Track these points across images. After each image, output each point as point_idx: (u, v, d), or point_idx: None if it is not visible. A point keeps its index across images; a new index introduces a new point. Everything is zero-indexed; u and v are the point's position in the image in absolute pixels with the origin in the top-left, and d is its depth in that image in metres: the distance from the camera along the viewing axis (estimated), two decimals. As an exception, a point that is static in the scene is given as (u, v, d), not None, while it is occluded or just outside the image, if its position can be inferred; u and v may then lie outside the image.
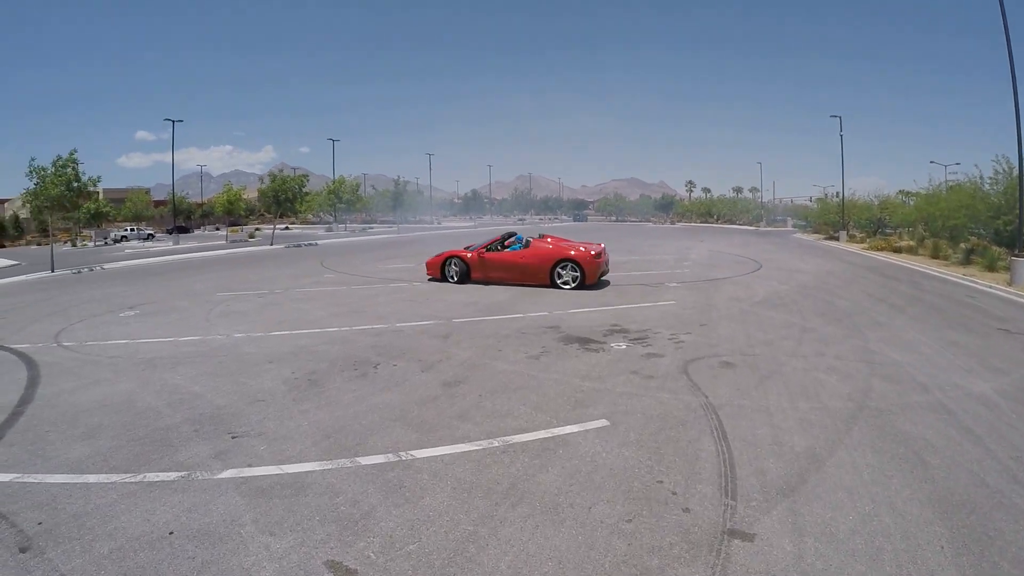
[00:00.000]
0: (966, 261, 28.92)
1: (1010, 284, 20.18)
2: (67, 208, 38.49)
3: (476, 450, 6.15)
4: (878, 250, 39.12)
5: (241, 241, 55.91)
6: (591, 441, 6.33)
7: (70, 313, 15.70)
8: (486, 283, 19.32)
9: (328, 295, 17.62)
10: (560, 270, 18.17)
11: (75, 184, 35.99)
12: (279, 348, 11.07)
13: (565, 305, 15.06)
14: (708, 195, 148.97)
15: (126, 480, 5.58)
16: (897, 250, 37.90)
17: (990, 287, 20.09)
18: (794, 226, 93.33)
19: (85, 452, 6.24)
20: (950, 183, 42.22)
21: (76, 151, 36.45)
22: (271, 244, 46.97)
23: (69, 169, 35.69)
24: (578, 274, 17.98)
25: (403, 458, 5.99)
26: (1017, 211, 27.61)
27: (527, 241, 19.50)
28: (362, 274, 23.01)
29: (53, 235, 40.10)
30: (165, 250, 45.69)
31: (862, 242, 48.89)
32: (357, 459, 5.99)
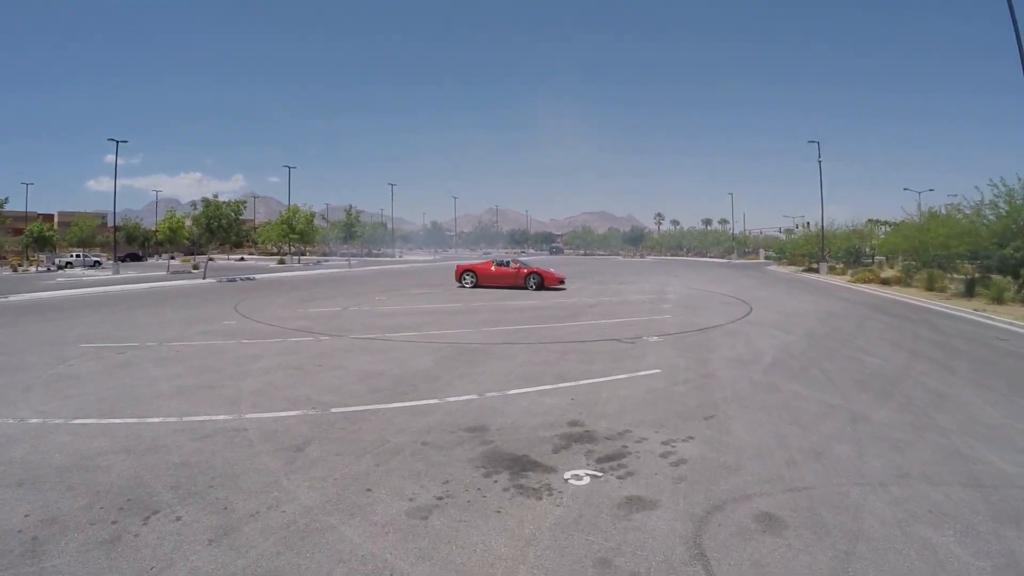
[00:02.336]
0: (968, 293, 26.69)
1: (1034, 319, 18.58)
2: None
3: None
4: (865, 282, 36.64)
5: (183, 272, 50.94)
6: None
7: None
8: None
9: (202, 354, 13.13)
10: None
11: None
12: (56, 456, 7.00)
13: (508, 380, 10.65)
14: (678, 227, 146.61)
15: None
16: (885, 282, 35.62)
17: (1012, 324, 18.55)
18: (766, 258, 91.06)
19: None
20: (931, 210, 39.11)
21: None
22: (204, 277, 42.11)
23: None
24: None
25: None
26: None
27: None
28: (271, 321, 18.47)
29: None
30: (97, 280, 40.76)
31: (843, 274, 46.49)
32: None
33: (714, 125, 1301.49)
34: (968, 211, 30.81)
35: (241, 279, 41.69)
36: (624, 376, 10.88)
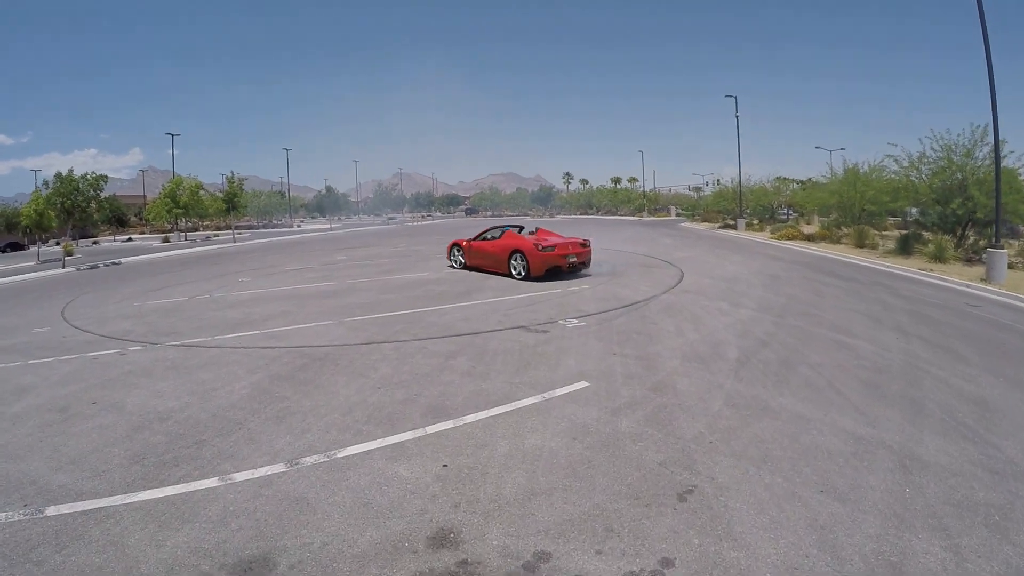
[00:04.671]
0: (903, 251, 24.78)
1: (985, 280, 17.22)
2: None
3: None
4: (789, 239, 34.84)
5: (54, 260, 44.78)
6: None
7: None
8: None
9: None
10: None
11: None
12: None
13: (349, 421, 6.73)
14: (587, 186, 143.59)
15: None
16: (809, 238, 33.76)
17: (968, 286, 16.73)
18: (678, 215, 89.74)
19: None
20: (855, 165, 37.09)
21: None
22: (63, 266, 36.55)
23: None
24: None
25: None
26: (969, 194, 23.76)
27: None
28: (90, 325, 14.02)
29: None
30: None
31: (761, 230, 44.88)
32: None
33: (623, 86, 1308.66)
34: (904, 165, 28.56)
35: (105, 264, 36.46)
36: (534, 400, 7.09)
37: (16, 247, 71.10)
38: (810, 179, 68.39)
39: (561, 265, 17.84)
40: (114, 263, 36.91)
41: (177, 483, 5.35)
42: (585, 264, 18.79)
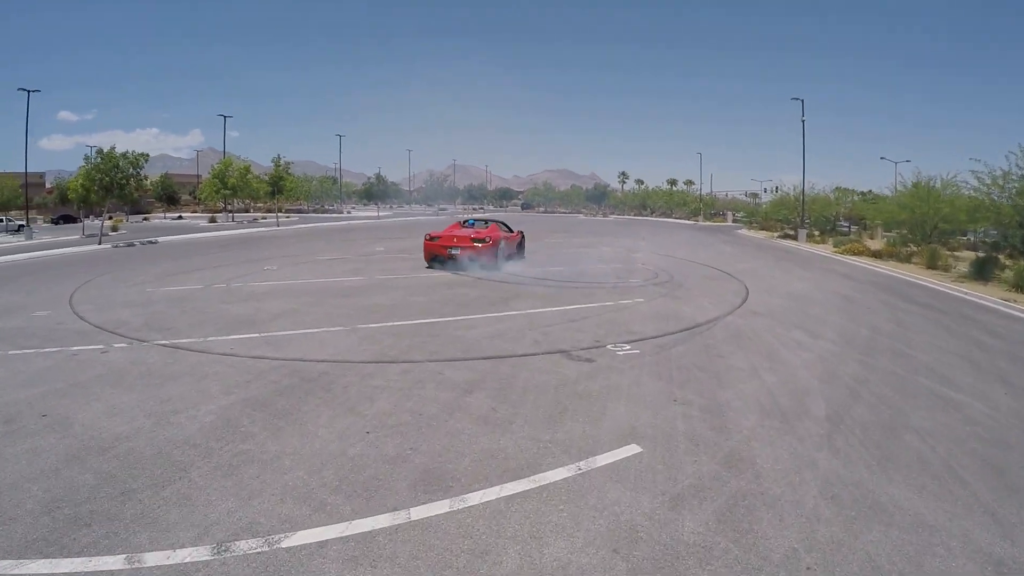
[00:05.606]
0: (979, 275, 22.12)
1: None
2: None
3: None
4: (854, 254, 32.35)
5: (95, 236, 44.55)
6: None
7: None
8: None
9: None
10: None
11: None
12: None
13: (315, 487, 5.17)
14: (642, 187, 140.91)
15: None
16: (876, 255, 31.32)
17: None
18: (734, 221, 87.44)
19: None
20: (929, 180, 34.50)
21: None
22: (99, 243, 35.94)
23: None
24: None
25: None
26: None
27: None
28: (91, 312, 13.08)
29: None
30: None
31: (822, 242, 42.70)
32: None
33: (681, 87, 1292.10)
34: (986, 183, 26.32)
35: (141, 243, 35.83)
36: (567, 473, 5.33)
37: (69, 220, 72.04)
38: (870, 191, 65.81)
39: (442, 255, 20.17)
40: (150, 242, 36.30)
41: (77, 555, 4.00)
42: (482, 263, 19.74)
